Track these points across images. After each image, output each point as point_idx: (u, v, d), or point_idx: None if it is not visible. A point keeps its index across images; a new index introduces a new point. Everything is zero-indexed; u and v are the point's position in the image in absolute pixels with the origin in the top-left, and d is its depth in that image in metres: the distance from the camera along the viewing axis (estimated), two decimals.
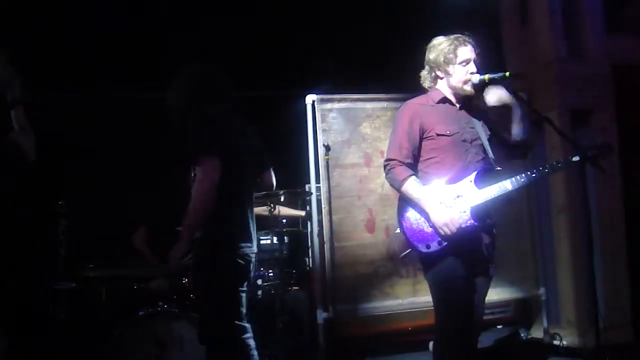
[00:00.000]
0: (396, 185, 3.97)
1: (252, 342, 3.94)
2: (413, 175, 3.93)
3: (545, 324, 6.42)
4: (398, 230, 4.04)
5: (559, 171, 4.10)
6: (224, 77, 4.28)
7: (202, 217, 3.80)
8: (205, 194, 3.78)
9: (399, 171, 3.94)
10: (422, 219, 3.92)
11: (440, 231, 3.82)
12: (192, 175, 4.03)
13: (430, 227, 3.88)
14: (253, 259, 4.02)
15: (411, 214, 3.96)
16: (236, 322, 3.89)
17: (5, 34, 5.23)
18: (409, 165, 3.96)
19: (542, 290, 6.43)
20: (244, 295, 3.98)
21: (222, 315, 3.88)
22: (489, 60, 4.17)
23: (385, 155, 4.11)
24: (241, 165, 4.03)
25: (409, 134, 3.98)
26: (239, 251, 3.92)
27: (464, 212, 3.87)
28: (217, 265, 3.88)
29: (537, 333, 6.51)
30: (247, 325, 3.95)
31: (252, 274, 4.03)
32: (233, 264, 3.90)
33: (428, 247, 3.89)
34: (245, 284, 4.00)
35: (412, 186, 3.90)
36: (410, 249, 3.99)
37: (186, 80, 4.20)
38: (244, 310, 3.94)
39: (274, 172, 4.52)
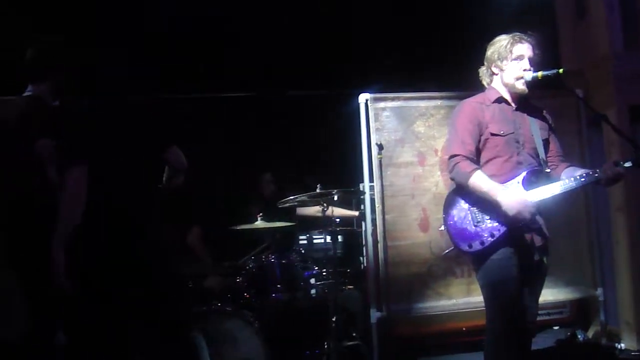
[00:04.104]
0: (463, 179, 3.94)
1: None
2: (479, 168, 3.92)
3: (602, 325, 6.29)
4: (442, 228, 4.05)
5: None
6: None
7: None
8: None
9: (464, 165, 3.93)
10: (467, 218, 3.93)
11: (516, 218, 3.79)
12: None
13: (474, 226, 3.87)
14: None
15: (456, 213, 3.98)
16: None
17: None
18: (472, 161, 3.96)
19: (599, 291, 6.29)
20: None
21: None
22: (545, 57, 4.14)
23: (447, 152, 4.14)
24: None
25: (470, 130, 4.00)
26: None
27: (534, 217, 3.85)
28: None
29: (594, 335, 6.39)
30: None
31: None
32: None
33: (470, 246, 3.91)
34: None
35: (479, 178, 3.89)
36: (452, 247, 4.00)
37: None
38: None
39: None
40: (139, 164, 3.87)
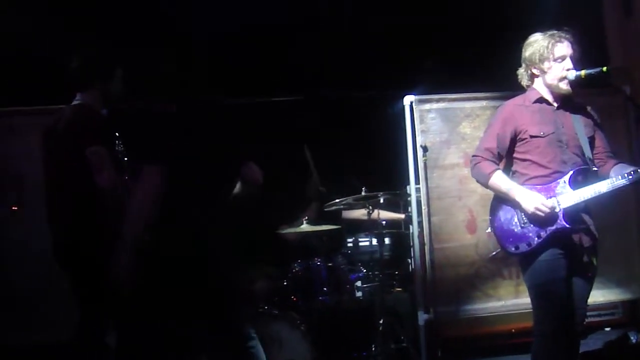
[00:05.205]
0: (483, 180, 4.03)
1: None
2: (499, 168, 3.98)
3: None
4: (489, 230, 4.05)
5: None
6: None
7: None
8: None
9: (485, 165, 4.00)
10: (514, 219, 3.92)
11: (534, 216, 3.81)
12: None
13: (520, 227, 3.86)
14: None
15: (502, 214, 3.98)
16: None
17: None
18: (493, 162, 4.01)
19: None
20: None
21: None
22: (591, 54, 4.08)
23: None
24: None
25: (499, 135, 4.02)
26: None
27: (557, 213, 3.81)
28: None
29: None
30: None
31: None
32: None
33: (517, 248, 3.90)
34: None
35: (499, 178, 3.96)
36: (499, 250, 4.00)
37: None
38: None
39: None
40: (213, 171, 3.90)
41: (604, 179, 3.85)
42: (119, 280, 3.69)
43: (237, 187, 4.11)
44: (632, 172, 3.76)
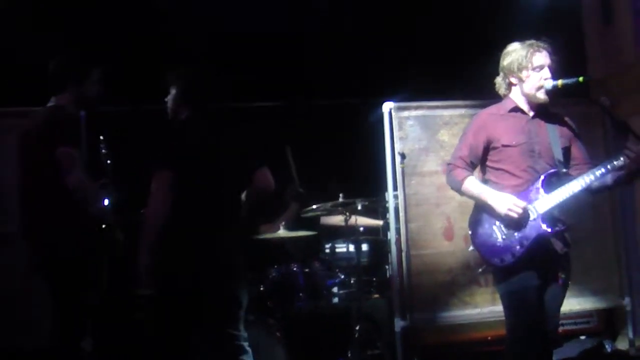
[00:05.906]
0: (456, 186, 4.11)
1: None
2: (471, 175, 4.06)
3: (630, 335, 6.21)
4: (472, 248, 4.05)
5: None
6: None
7: None
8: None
9: (458, 172, 4.08)
10: (495, 232, 3.93)
11: (508, 219, 3.83)
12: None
13: (502, 239, 3.87)
14: None
15: (482, 230, 3.99)
16: None
17: None
18: (466, 169, 4.09)
19: (627, 300, 6.20)
20: None
21: None
22: (571, 64, 4.10)
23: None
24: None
25: (471, 145, 4.08)
26: None
27: (535, 220, 3.82)
28: None
29: (622, 345, 6.31)
30: None
31: None
32: None
33: (502, 260, 3.89)
34: None
35: (471, 183, 4.04)
36: (485, 265, 4.02)
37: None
38: None
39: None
40: (217, 174, 3.91)
41: (574, 179, 3.86)
42: (140, 283, 3.77)
43: (245, 193, 4.13)
44: (601, 168, 3.80)
